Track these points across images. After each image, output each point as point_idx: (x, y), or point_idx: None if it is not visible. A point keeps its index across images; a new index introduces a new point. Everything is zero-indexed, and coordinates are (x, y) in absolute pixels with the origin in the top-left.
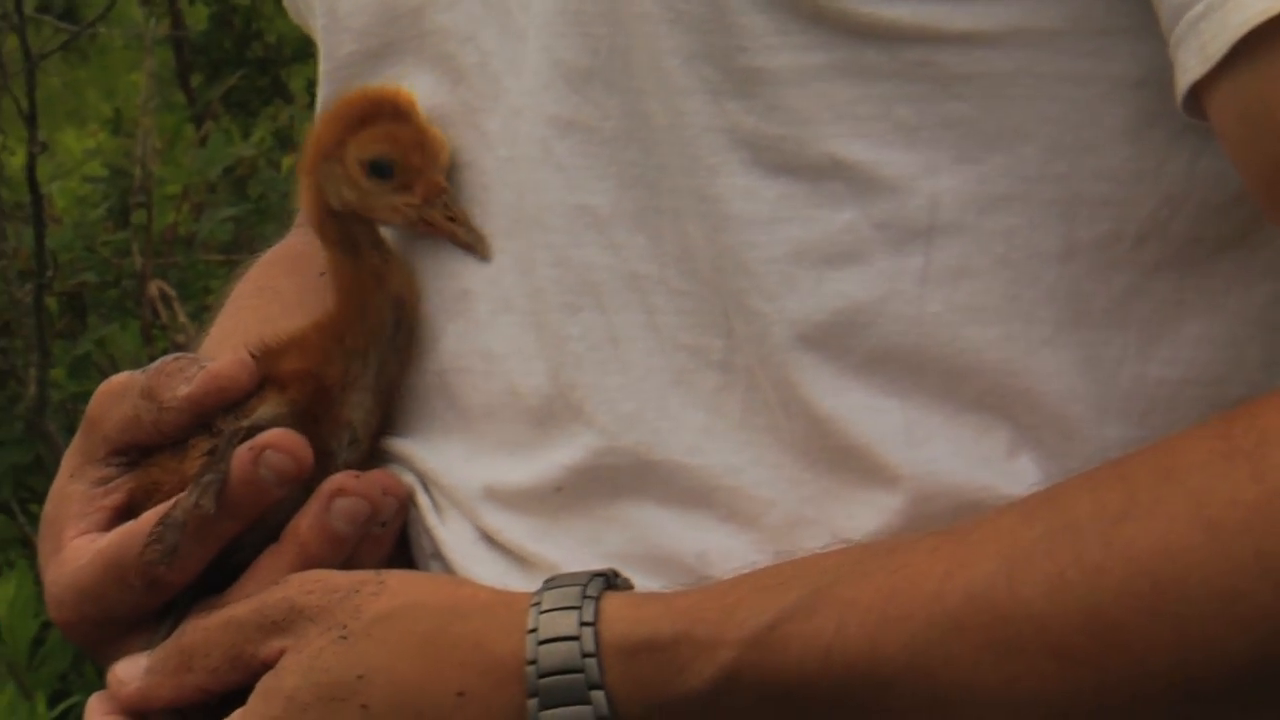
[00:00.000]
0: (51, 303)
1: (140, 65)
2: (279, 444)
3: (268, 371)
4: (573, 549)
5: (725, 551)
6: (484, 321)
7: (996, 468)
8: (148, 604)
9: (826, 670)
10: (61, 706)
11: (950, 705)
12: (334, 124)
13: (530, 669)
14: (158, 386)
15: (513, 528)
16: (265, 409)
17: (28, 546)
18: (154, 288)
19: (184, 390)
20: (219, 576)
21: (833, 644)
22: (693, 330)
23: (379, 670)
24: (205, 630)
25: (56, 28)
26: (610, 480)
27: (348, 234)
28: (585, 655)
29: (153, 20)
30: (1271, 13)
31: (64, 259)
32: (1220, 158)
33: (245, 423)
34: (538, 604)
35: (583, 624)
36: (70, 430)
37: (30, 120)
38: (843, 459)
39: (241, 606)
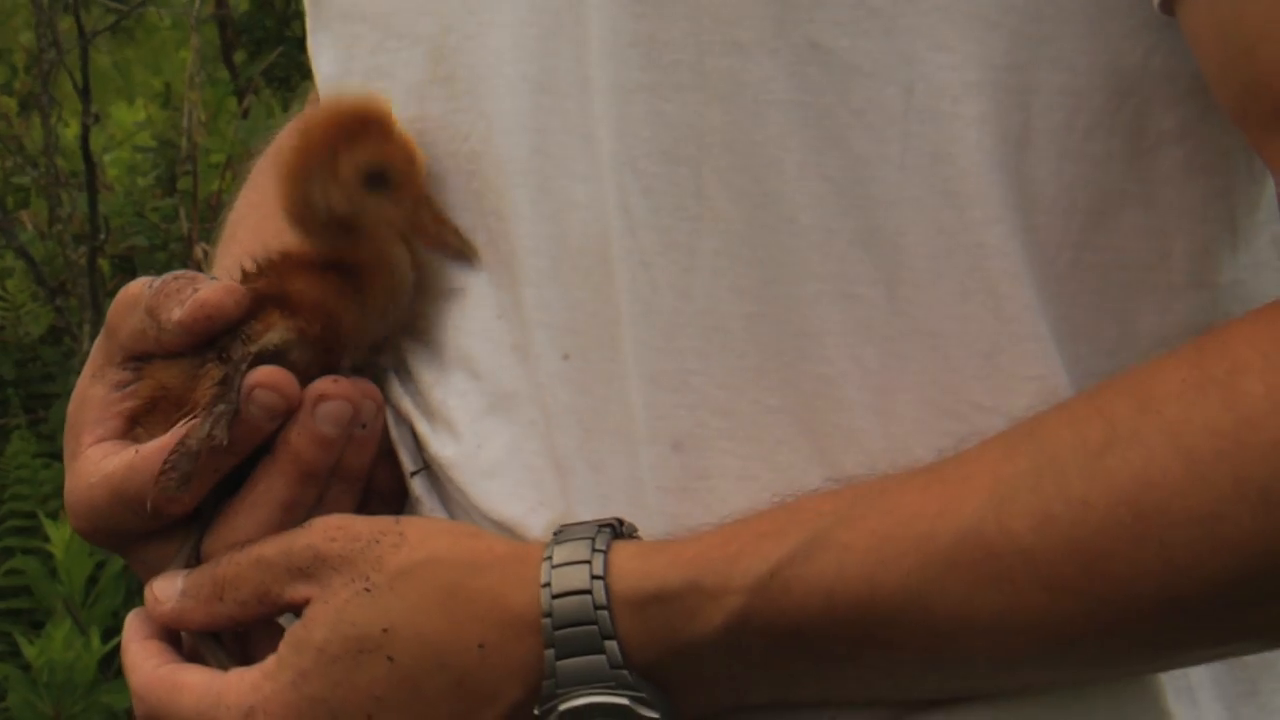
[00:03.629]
0: (104, 265)
1: (186, 44)
2: (266, 381)
3: (277, 288)
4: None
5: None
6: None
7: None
8: (154, 527)
9: (829, 611)
10: (115, 641)
11: (947, 637)
12: (324, 134)
13: (546, 622)
14: (157, 306)
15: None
16: (274, 335)
17: None
18: (199, 250)
19: (176, 314)
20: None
21: (834, 586)
22: (664, 212)
23: (403, 624)
24: (237, 565)
25: (107, 8)
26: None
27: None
28: (597, 608)
29: (197, 1)
30: None
31: (115, 224)
32: (1171, 56)
33: (254, 348)
34: (549, 558)
35: (593, 578)
36: None
37: (84, 94)
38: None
39: (270, 546)
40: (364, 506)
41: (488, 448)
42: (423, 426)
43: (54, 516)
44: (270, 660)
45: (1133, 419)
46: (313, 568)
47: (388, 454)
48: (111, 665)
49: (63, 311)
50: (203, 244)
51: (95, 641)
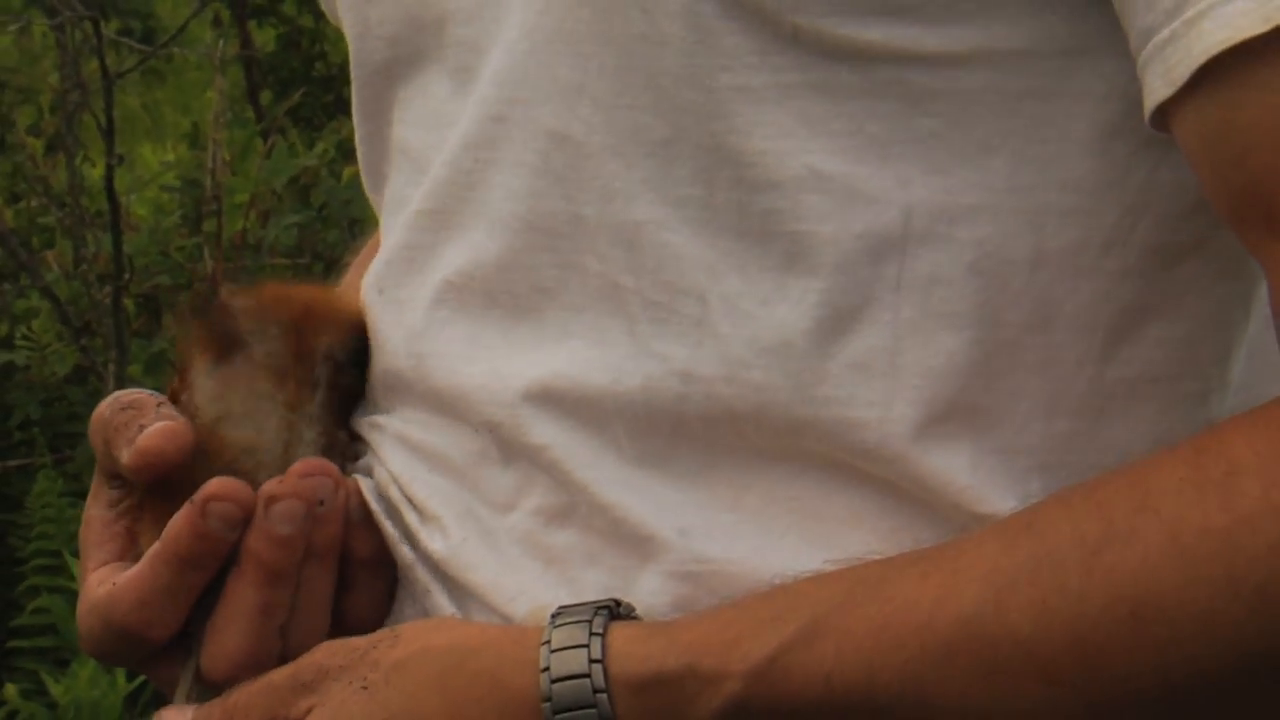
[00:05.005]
0: (129, 304)
1: (213, 84)
2: (220, 493)
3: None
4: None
5: (708, 529)
6: (471, 312)
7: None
8: (144, 654)
9: (827, 697)
10: (140, 679)
11: None
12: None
13: (546, 706)
14: (112, 440)
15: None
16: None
17: None
18: (224, 290)
19: (124, 457)
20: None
21: (832, 673)
22: (663, 340)
23: (402, 713)
24: (248, 693)
25: (131, 48)
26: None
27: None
28: (597, 691)
29: (222, 42)
30: (1231, 42)
31: (140, 263)
32: (1179, 169)
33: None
34: (548, 642)
35: (592, 661)
36: None
37: (108, 134)
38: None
39: (279, 672)
40: (347, 577)
41: (473, 542)
42: (411, 518)
43: (80, 556)
44: None
45: (1130, 516)
46: (315, 681)
47: (365, 520)
48: (137, 703)
49: (88, 351)
50: (227, 284)
51: (121, 680)
